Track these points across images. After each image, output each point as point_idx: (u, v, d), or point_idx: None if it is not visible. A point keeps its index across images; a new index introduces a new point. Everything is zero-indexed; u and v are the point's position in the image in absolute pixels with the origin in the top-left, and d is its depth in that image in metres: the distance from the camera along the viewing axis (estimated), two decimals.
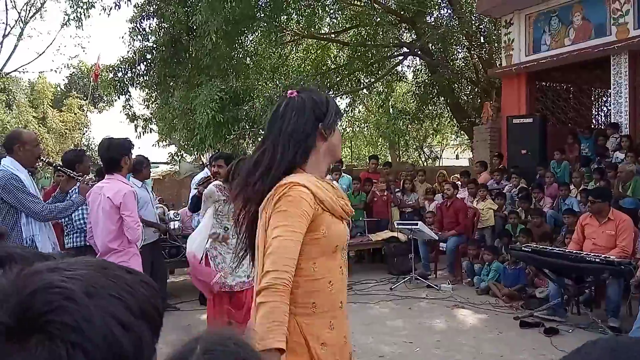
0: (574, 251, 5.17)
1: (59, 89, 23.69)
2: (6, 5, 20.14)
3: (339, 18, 13.25)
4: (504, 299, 5.98)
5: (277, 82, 10.14)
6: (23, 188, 3.31)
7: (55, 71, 28.07)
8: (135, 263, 3.64)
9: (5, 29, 19.68)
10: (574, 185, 7.40)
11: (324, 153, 1.73)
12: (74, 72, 23.70)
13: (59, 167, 3.99)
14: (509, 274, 6.24)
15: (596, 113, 10.81)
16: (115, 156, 3.57)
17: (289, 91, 1.80)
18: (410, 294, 6.41)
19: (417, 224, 6.87)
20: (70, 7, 10.40)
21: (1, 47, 19.70)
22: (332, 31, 13.83)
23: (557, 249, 5.46)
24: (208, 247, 3.91)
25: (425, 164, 19.85)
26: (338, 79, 12.98)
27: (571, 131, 9.52)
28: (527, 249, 5.46)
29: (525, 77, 9.69)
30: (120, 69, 11.15)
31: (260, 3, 10.73)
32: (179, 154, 12.91)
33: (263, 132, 9.79)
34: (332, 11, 12.50)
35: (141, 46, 11.18)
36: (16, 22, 19.80)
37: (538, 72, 9.60)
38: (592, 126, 10.34)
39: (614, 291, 4.92)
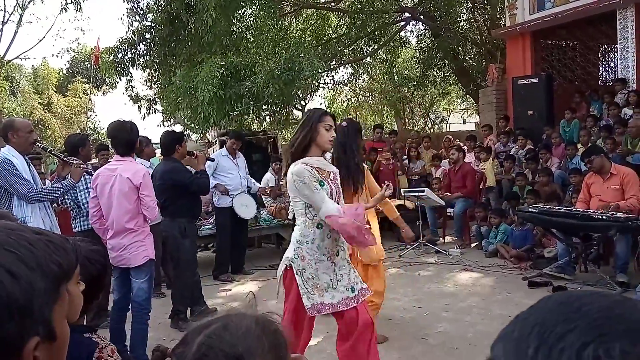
0: (581, 210, 5.16)
1: (62, 73, 23.69)
2: None
3: None
4: (512, 261, 6.02)
5: (278, 55, 10.03)
6: (14, 171, 3.42)
7: (57, 56, 28.03)
8: (149, 241, 3.73)
9: (4, 15, 19.58)
10: (581, 144, 7.33)
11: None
12: (75, 56, 23.64)
13: (52, 152, 4.08)
14: (517, 235, 6.26)
15: (603, 70, 10.61)
16: (132, 139, 3.69)
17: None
18: (419, 260, 6.47)
19: (423, 191, 6.88)
20: None
21: (1, 34, 19.63)
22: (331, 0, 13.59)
23: (564, 208, 5.45)
24: (291, 257, 2.87)
25: (432, 130, 19.72)
26: (340, 48, 12.81)
27: (578, 89, 9.38)
28: (534, 210, 5.46)
29: (530, 37, 9.50)
30: (120, 50, 11.07)
31: None
32: (184, 132, 12.93)
33: (266, 107, 9.65)
34: None
35: (139, 26, 11.08)
36: (14, 8, 19.68)
37: (543, 30, 9.40)
38: (600, 83, 10.18)
39: (621, 247, 4.92)
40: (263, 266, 6.70)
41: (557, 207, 5.52)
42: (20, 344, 0.65)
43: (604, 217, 4.76)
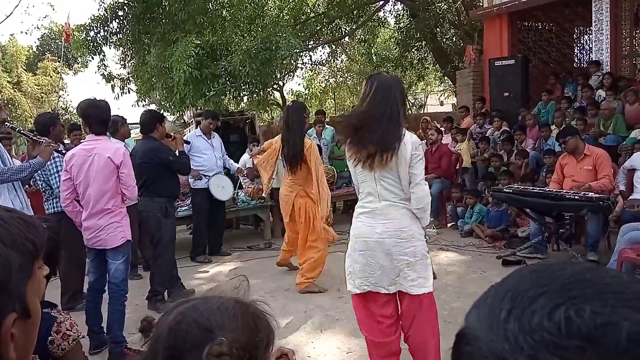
0: (554, 190, 5.27)
1: (32, 51, 22.93)
2: None
3: None
4: (487, 240, 6.13)
5: (255, 33, 9.88)
6: None
7: (26, 33, 27.07)
8: (126, 222, 3.70)
9: None
10: (555, 125, 7.45)
11: None
12: (45, 33, 22.89)
13: (20, 131, 3.98)
14: (493, 215, 6.37)
15: (578, 52, 10.76)
16: (106, 117, 3.66)
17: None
18: None
19: None
20: None
21: None
22: None
23: (537, 188, 5.56)
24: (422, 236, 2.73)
25: (410, 111, 19.79)
26: (318, 27, 12.69)
27: (553, 71, 9.50)
28: (508, 190, 5.55)
29: (507, 18, 9.55)
30: (92, 28, 10.75)
31: None
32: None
33: (245, 87, 9.56)
34: None
35: (112, 3, 10.75)
36: None
37: (520, 12, 9.46)
38: (574, 65, 10.33)
39: (592, 227, 5.05)
40: (241, 247, 6.69)
41: (531, 188, 5.63)
42: None
43: (576, 197, 4.86)
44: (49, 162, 3.99)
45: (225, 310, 0.83)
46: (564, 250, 5.39)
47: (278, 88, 16.98)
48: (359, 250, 2.66)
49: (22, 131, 4.00)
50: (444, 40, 13.66)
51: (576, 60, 10.63)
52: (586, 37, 10.41)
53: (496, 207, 6.34)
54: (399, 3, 13.45)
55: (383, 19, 14.73)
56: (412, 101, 21.60)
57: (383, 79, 2.64)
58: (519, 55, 9.27)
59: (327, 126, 8.47)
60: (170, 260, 4.68)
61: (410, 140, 2.59)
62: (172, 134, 5.01)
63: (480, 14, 10.12)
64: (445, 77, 15.38)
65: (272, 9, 12.74)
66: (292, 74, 16.44)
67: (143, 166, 4.43)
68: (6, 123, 3.60)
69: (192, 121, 10.35)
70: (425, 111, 20.53)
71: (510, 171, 6.59)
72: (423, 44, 13.53)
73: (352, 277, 2.71)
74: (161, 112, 12.70)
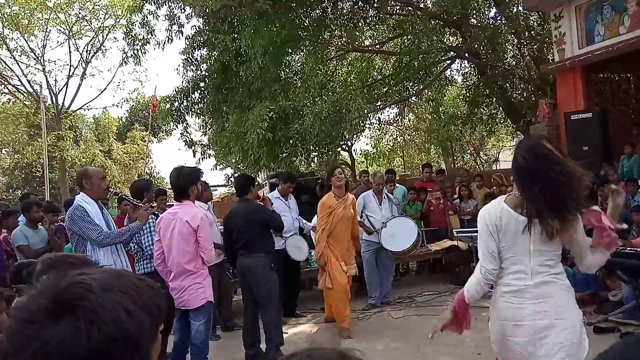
0: None
1: (121, 122, 25.08)
2: (69, 48, 21.67)
3: (381, 29, 13.30)
4: None
5: (325, 97, 10.29)
6: (85, 217, 3.64)
7: (117, 105, 29.79)
8: (207, 283, 3.87)
9: (70, 69, 21.20)
10: None
11: None
12: (133, 105, 25.03)
13: (123, 197, 4.36)
14: (580, 278, 5.96)
15: None
16: (182, 184, 3.92)
17: None
18: (475, 303, 6.26)
19: (477, 231, 6.73)
20: (128, 44, 11.11)
21: (67, 87, 21.18)
22: (376, 42, 13.89)
23: (628, 248, 5.20)
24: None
25: (482, 168, 19.39)
26: (385, 89, 12.99)
27: (636, 122, 9.07)
28: None
29: (581, 71, 9.34)
30: (176, 99, 11.66)
31: (304, 23, 10.99)
32: (235, 175, 13.31)
33: (314, 148, 9.87)
34: (373, 23, 12.60)
35: (194, 75, 11.68)
36: (79, 62, 21.27)
37: (594, 64, 9.23)
38: None
39: None
40: (314, 309, 6.67)
41: (621, 247, 5.27)
42: None
43: None
44: None
45: (330, 359, 0.90)
46: None
47: (346, 148, 17.33)
48: (507, 336, 2.37)
49: (124, 197, 4.40)
50: (514, 95, 13.48)
51: None
52: None
53: None
54: (466, 61, 13.55)
55: (450, 77, 14.85)
56: (484, 158, 21.18)
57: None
58: (596, 107, 8.96)
59: (397, 185, 8.49)
60: (280, 310, 4.89)
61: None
62: (260, 196, 5.32)
63: (551, 68, 9.98)
64: (518, 132, 15.04)
65: (341, 75, 13.26)
66: (360, 134, 16.78)
67: (245, 226, 4.74)
68: (109, 189, 3.99)
69: (265, 183, 10.75)
70: (498, 167, 19.99)
71: None
72: (492, 100, 13.43)
73: None
74: (236, 174, 13.33)
